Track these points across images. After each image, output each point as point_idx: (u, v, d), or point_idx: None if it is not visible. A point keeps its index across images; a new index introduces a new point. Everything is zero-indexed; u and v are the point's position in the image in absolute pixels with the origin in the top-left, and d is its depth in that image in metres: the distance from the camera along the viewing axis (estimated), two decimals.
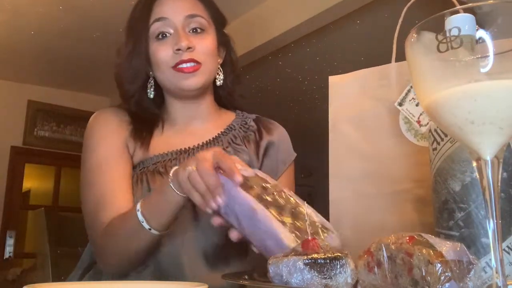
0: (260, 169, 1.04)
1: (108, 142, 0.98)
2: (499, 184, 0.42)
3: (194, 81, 0.96)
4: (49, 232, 1.74)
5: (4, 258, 4.44)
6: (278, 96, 4.78)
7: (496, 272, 0.41)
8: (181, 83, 0.96)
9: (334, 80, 0.98)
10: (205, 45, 0.98)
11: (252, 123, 1.10)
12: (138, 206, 0.82)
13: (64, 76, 4.59)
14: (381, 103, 0.91)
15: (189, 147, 1.01)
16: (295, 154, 1.12)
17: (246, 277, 0.66)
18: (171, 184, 0.77)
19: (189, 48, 0.94)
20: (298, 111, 5.05)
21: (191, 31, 0.98)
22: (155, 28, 0.97)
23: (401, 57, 0.85)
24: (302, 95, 4.72)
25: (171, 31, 0.97)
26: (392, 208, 0.86)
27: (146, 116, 1.03)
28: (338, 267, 0.53)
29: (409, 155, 0.87)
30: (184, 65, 0.95)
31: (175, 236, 0.92)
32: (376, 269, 0.52)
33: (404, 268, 0.49)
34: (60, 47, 4.00)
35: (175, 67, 0.95)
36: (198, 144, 1.02)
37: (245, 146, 1.05)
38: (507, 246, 0.57)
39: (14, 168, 4.61)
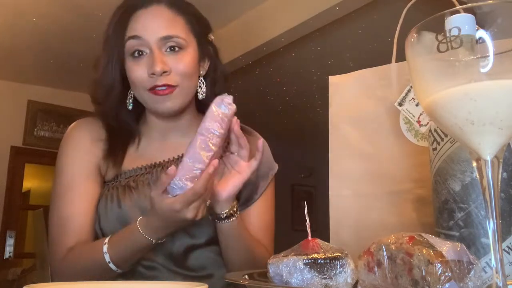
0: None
1: (77, 163, 0.97)
2: (499, 184, 0.42)
3: (169, 105, 0.93)
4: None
5: (4, 258, 4.44)
6: (278, 96, 4.78)
7: (496, 272, 0.41)
8: (156, 106, 0.94)
9: (334, 80, 0.98)
10: (181, 66, 0.93)
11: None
12: (105, 247, 0.85)
13: (64, 76, 4.59)
14: (381, 103, 0.91)
15: (163, 160, 1.00)
16: (277, 167, 1.09)
17: (246, 277, 0.66)
18: (141, 232, 0.82)
19: (164, 72, 0.91)
20: (298, 111, 5.05)
21: (168, 49, 0.93)
22: (130, 46, 0.93)
23: (401, 57, 0.85)
24: (302, 95, 4.72)
25: (147, 50, 0.93)
26: (392, 208, 0.86)
27: (122, 130, 1.01)
28: (338, 267, 0.53)
29: (409, 155, 0.87)
30: (159, 89, 0.92)
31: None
32: (376, 269, 0.52)
33: (404, 268, 0.49)
34: (60, 47, 4.00)
35: (150, 90, 0.92)
36: (174, 158, 1.00)
37: None
38: (507, 246, 0.57)
39: (14, 168, 4.61)
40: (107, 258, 0.84)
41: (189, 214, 0.78)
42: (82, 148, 0.99)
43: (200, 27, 1.01)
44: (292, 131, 5.49)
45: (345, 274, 0.54)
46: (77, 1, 3.33)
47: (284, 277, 0.54)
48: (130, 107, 0.99)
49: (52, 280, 0.99)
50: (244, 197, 1.02)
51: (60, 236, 0.93)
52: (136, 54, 0.93)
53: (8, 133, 4.63)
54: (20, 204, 4.76)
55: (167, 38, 0.93)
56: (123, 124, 1.01)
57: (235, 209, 0.90)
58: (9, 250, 4.48)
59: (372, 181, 0.90)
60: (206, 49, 1.02)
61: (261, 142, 0.90)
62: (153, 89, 0.92)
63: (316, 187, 6.33)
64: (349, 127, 0.94)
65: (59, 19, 3.56)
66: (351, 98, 0.95)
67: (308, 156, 5.84)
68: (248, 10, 3.47)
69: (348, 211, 0.91)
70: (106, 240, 0.86)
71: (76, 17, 3.53)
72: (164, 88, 0.91)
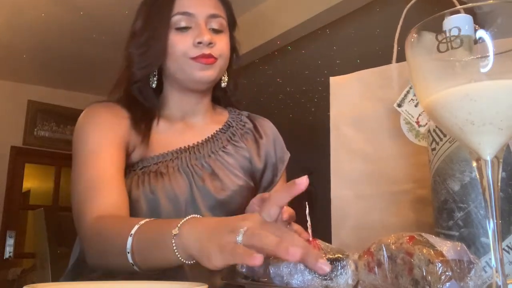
0: (263, 170, 1.06)
1: (101, 132, 0.94)
2: (499, 184, 0.42)
3: (210, 73, 0.96)
4: (49, 232, 1.74)
5: (4, 258, 4.44)
6: (278, 96, 4.79)
7: (496, 272, 0.41)
8: (197, 73, 0.96)
9: (335, 81, 0.98)
10: (223, 44, 0.99)
11: (247, 120, 1.11)
12: (129, 245, 0.69)
13: (64, 76, 4.59)
14: (382, 104, 0.91)
15: (189, 146, 1.01)
16: (289, 153, 1.13)
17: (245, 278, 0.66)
18: (175, 250, 0.62)
19: (210, 43, 0.95)
20: (298, 111, 5.05)
21: (211, 30, 0.99)
22: (177, 20, 0.97)
23: (402, 57, 0.85)
24: (302, 95, 4.72)
25: (193, 25, 0.98)
26: (393, 208, 0.86)
27: (142, 108, 1.02)
28: (339, 268, 0.53)
29: (410, 155, 0.87)
30: (204, 58, 0.96)
31: None
32: (376, 269, 0.52)
33: (405, 268, 0.49)
34: (60, 47, 4.00)
35: (193, 58, 0.95)
36: (198, 142, 1.02)
37: (244, 143, 1.06)
38: (507, 246, 0.57)
39: (14, 168, 4.61)
40: (130, 258, 0.70)
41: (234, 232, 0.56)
42: (105, 122, 0.96)
43: (233, 20, 1.08)
44: (292, 131, 5.46)
45: (346, 275, 0.53)
46: (78, 1, 3.33)
47: (285, 278, 0.54)
48: (154, 85, 1.01)
49: (85, 254, 0.83)
50: (266, 180, 1.05)
51: (86, 202, 0.84)
52: (181, 27, 0.97)
53: (8, 133, 4.63)
54: (20, 204, 4.76)
55: (214, 16, 0.99)
56: (145, 99, 1.02)
57: None
58: (9, 250, 4.48)
59: (373, 181, 0.90)
60: (233, 41, 1.09)
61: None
62: (197, 58, 0.95)
63: (316, 187, 6.34)
64: (350, 127, 0.94)
65: (59, 19, 3.57)
66: (352, 98, 0.95)
67: (308, 156, 5.84)
68: (248, 10, 3.47)
69: (349, 211, 0.91)
70: (142, 222, 0.71)
71: (76, 17, 3.53)
72: (209, 57, 0.95)
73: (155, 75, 1.01)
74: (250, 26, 3.46)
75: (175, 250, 0.62)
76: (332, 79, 0.98)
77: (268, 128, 1.12)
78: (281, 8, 3.25)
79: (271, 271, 0.56)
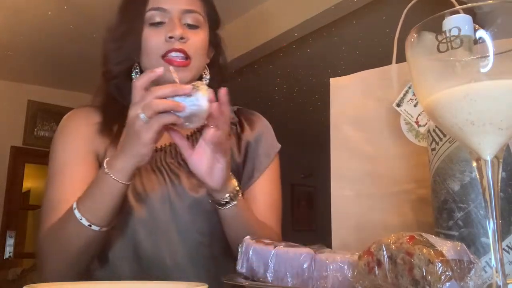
0: (243, 164, 1.03)
1: (69, 148, 0.96)
2: (499, 184, 0.42)
3: (183, 76, 0.93)
4: None
5: (4, 258, 4.44)
6: (278, 97, 4.79)
7: (496, 272, 0.41)
8: (170, 75, 0.93)
9: (335, 82, 0.98)
10: (197, 40, 0.97)
11: (233, 115, 1.08)
12: (74, 204, 0.81)
13: (64, 76, 4.59)
14: (382, 104, 0.91)
15: (165, 144, 1.00)
16: (279, 146, 1.09)
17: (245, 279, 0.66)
18: (111, 176, 0.78)
19: (182, 38, 0.93)
20: (298, 111, 5.05)
21: (185, 25, 0.97)
22: (150, 15, 0.96)
23: (402, 58, 0.85)
24: (302, 96, 4.72)
25: (166, 20, 0.96)
26: (393, 208, 0.86)
27: (119, 107, 0.99)
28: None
29: (410, 155, 0.87)
30: (174, 54, 0.93)
31: (158, 239, 0.92)
32: (376, 269, 0.52)
33: (405, 268, 0.49)
34: (60, 47, 4.00)
35: (164, 56, 0.93)
36: (172, 142, 1.00)
37: None
38: (507, 246, 0.57)
39: (14, 168, 4.61)
40: (77, 214, 0.80)
41: (131, 109, 0.75)
42: (76, 133, 0.98)
43: (214, 15, 1.06)
44: (292, 131, 5.49)
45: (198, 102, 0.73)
46: (78, 1, 3.33)
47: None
48: None
49: (38, 266, 0.92)
50: (246, 174, 1.02)
51: (45, 220, 0.90)
52: (154, 23, 0.96)
53: (8, 133, 4.63)
54: (20, 204, 4.76)
55: (188, 11, 0.97)
56: (124, 97, 0.99)
57: (235, 193, 0.86)
58: (9, 250, 4.48)
59: (373, 181, 0.90)
60: (215, 38, 1.07)
61: (223, 90, 0.79)
62: (168, 54, 0.93)
63: (316, 187, 6.33)
64: (350, 128, 0.94)
65: (59, 19, 3.57)
66: (352, 99, 0.95)
67: (308, 156, 5.84)
68: (248, 10, 3.47)
69: (349, 211, 0.91)
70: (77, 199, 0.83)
71: (76, 17, 3.53)
72: (179, 55, 0.93)
73: (137, 71, 0.99)
74: (248, 27, 3.46)
75: (110, 175, 0.77)
76: (333, 80, 0.98)
77: (256, 122, 1.09)
78: (280, 10, 3.25)
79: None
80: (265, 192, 1.02)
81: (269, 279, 0.63)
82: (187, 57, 0.94)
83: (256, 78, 4.22)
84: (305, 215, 6.45)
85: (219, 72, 1.07)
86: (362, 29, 3.45)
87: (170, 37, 0.93)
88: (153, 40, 0.95)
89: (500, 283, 0.40)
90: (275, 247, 0.65)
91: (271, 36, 3.32)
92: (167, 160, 0.98)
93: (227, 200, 0.86)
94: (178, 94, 0.73)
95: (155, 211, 0.93)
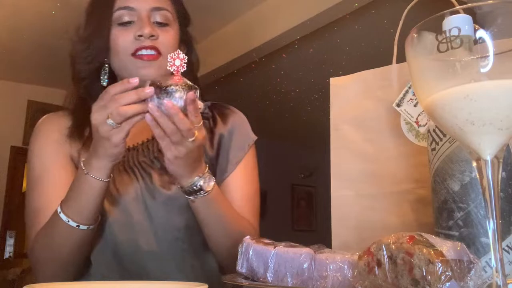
0: (216, 158, 1.02)
1: (46, 155, 0.97)
2: (499, 184, 0.42)
3: (152, 71, 0.92)
4: None
5: (4, 258, 4.44)
6: (278, 97, 4.79)
7: (496, 272, 0.41)
8: (139, 71, 0.93)
9: (335, 82, 0.98)
10: (167, 37, 0.96)
11: (207, 110, 1.07)
12: (59, 208, 0.83)
13: (64, 76, 4.58)
14: (382, 104, 0.91)
15: (138, 143, 1.00)
16: (255, 137, 1.07)
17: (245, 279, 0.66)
18: (91, 175, 0.79)
19: (151, 36, 0.93)
20: (298, 111, 5.05)
21: (155, 23, 0.96)
22: (119, 15, 0.95)
23: (402, 58, 0.85)
24: (302, 95, 4.72)
25: (135, 19, 0.95)
26: (393, 208, 0.86)
27: (90, 110, 0.99)
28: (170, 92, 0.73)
29: (410, 155, 0.87)
30: (144, 52, 0.93)
31: (136, 239, 0.92)
32: (376, 269, 0.52)
33: (405, 268, 0.49)
34: (60, 47, 3.99)
35: (134, 53, 0.93)
36: (148, 139, 1.00)
37: None
38: (507, 246, 0.57)
39: (14, 168, 4.61)
40: (64, 217, 0.82)
41: (95, 115, 0.75)
42: (50, 139, 0.98)
43: (183, 13, 1.05)
44: (292, 131, 5.49)
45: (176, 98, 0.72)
46: (78, 1, 3.33)
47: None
48: (104, 83, 0.98)
49: (33, 269, 0.93)
50: (220, 169, 1.01)
51: (32, 230, 0.92)
52: (123, 22, 0.95)
53: (8, 133, 4.63)
54: (20, 204, 4.75)
55: (157, 9, 0.96)
56: (93, 98, 0.95)
57: (203, 183, 0.84)
58: (9, 250, 4.48)
59: (373, 181, 0.90)
60: (185, 36, 1.06)
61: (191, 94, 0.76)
62: (138, 52, 0.92)
63: (316, 187, 6.34)
64: (350, 127, 0.94)
65: (59, 19, 3.57)
66: (352, 99, 0.95)
67: (308, 156, 5.84)
68: (247, 11, 3.47)
69: (349, 211, 0.91)
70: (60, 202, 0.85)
71: (76, 17, 3.53)
72: (150, 52, 0.93)
73: (106, 72, 0.98)
74: (248, 27, 3.46)
75: (90, 175, 0.79)
76: (333, 80, 0.98)
77: (229, 116, 1.07)
78: (279, 10, 3.25)
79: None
80: (240, 185, 1.01)
81: (269, 279, 0.63)
82: (158, 52, 0.93)
83: (256, 79, 4.23)
84: (305, 215, 6.45)
85: (191, 70, 1.04)
86: (362, 29, 3.45)
87: (140, 36, 0.93)
88: (122, 39, 0.94)
89: (500, 283, 0.40)
90: (275, 247, 0.65)
91: (270, 36, 3.32)
92: (139, 159, 0.98)
93: (195, 189, 0.84)
94: (141, 99, 0.74)
95: (129, 211, 0.93)
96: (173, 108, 0.72)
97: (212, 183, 0.85)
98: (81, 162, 0.81)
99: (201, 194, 0.84)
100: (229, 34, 3.54)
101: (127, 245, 0.92)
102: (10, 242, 4.47)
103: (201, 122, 0.78)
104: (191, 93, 0.73)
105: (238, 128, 1.06)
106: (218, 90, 4.08)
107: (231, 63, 3.63)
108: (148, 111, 0.74)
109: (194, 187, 0.83)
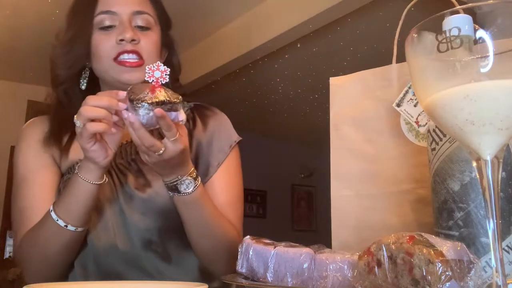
0: (195, 162, 0.99)
1: (30, 157, 0.98)
2: (499, 184, 0.42)
3: (136, 76, 0.93)
4: None
5: (4, 258, 4.44)
6: (277, 97, 4.79)
7: (496, 272, 0.41)
8: (122, 76, 0.93)
9: (335, 82, 0.98)
10: (149, 41, 0.96)
11: (188, 111, 1.06)
12: (51, 207, 0.84)
13: None
14: (382, 104, 0.91)
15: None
16: (239, 138, 1.06)
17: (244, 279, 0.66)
18: (82, 177, 0.80)
19: (133, 40, 0.93)
20: (297, 111, 5.05)
21: (136, 27, 0.96)
22: (100, 19, 0.95)
23: (402, 58, 0.86)
24: (302, 95, 4.72)
25: (117, 23, 0.95)
26: (393, 208, 0.86)
27: (68, 115, 0.96)
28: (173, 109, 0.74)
29: (410, 155, 0.87)
30: (126, 56, 0.92)
31: (112, 242, 0.92)
32: (376, 269, 0.52)
33: (405, 268, 0.49)
34: None
35: (116, 58, 0.93)
36: (127, 141, 0.99)
37: None
38: (507, 246, 0.57)
39: None
40: (54, 216, 0.83)
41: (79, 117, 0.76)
42: (33, 142, 0.99)
43: (164, 16, 1.05)
44: (292, 131, 5.49)
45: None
46: None
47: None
48: (83, 87, 0.98)
49: (21, 268, 0.95)
50: (200, 172, 0.99)
51: (19, 229, 0.93)
52: (104, 27, 0.95)
53: (8, 133, 4.62)
54: None
55: (139, 13, 0.96)
56: (71, 102, 0.98)
57: (183, 184, 0.84)
58: (9, 250, 4.48)
59: (373, 181, 0.90)
60: (167, 40, 1.05)
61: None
62: (120, 57, 0.92)
63: (316, 187, 6.34)
64: (350, 127, 0.94)
65: (59, 19, 3.57)
66: (352, 99, 0.95)
67: (308, 156, 5.84)
68: (247, 11, 3.47)
69: (349, 211, 0.91)
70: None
71: None
72: (132, 56, 0.93)
73: (85, 76, 0.98)
74: (248, 27, 3.46)
75: (81, 177, 0.80)
76: (332, 80, 0.98)
77: (210, 118, 1.06)
78: (279, 10, 3.25)
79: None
80: (222, 188, 1.00)
81: (269, 279, 0.63)
82: (140, 57, 0.93)
83: (256, 79, 4.23)
84: (305, 215, 6.45)
85: (173, 73, 1.03)
86: (362, 29, 3.45)
87: (121, 40, 0.92)
88: (104, 44, 0.94)
89: (500, 283, 0.40)
90: (275, 247, 0.65)
91: (270, 36, 3.32)
92: (116, 161, 0.98)
93: (177, 187, 0.84)
94: (112, 108, 0.75)
95: (105, 215, 0.93)
96: (134, 124, 0.73)
97: (196, 184, 0.85)
98: (77, 173, 0.82)
99: (184, 195, 0.85)
100: (229, 34, 3.54)
101: (105, 249, 0.92)
102: (10, 242, 4.47)
103: (177, 135, 0.76)
104: (157, 110, 0.72)
105: (218, 130, 1.05)
106: (218, 90, 4.09)
107: (231, 63, 3.64)
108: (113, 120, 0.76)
109: (176, 185, 0.84)
